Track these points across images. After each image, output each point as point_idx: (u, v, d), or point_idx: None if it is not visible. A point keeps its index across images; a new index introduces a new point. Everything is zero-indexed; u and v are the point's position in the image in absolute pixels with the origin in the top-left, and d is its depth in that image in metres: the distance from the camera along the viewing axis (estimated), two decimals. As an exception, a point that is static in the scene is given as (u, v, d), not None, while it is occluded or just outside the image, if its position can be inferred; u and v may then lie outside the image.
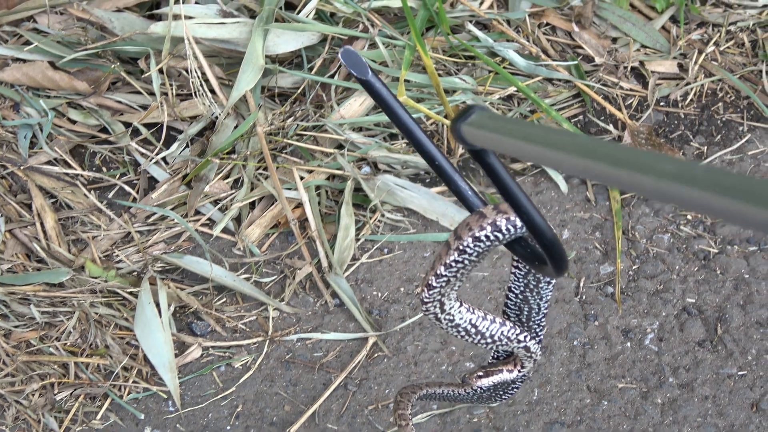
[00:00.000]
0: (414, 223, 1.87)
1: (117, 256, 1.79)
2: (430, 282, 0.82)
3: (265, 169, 1.86)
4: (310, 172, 1.87)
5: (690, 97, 2.08)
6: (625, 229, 1.90)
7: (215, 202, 1.86)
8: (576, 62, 2.06)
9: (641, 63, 2.11)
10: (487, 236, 0.77)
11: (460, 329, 0.89)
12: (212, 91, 1.90)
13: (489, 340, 0.92)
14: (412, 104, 1.89)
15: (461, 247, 0.79)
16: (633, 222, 1.91)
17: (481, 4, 2.12)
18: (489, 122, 0.54)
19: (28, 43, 1.94)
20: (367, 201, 1.87)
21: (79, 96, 1.91)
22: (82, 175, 1.87)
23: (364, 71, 0.66)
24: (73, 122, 1.91)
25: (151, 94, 1.91)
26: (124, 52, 1.93)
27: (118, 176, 1.89)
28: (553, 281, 0.92)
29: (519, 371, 1.03)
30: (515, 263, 0.89)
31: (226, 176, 1.88)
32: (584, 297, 1.81)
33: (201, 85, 1.87)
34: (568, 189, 1.94)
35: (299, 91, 1.96)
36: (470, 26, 2.05)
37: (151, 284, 1.74)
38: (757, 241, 1.90)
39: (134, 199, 1.87)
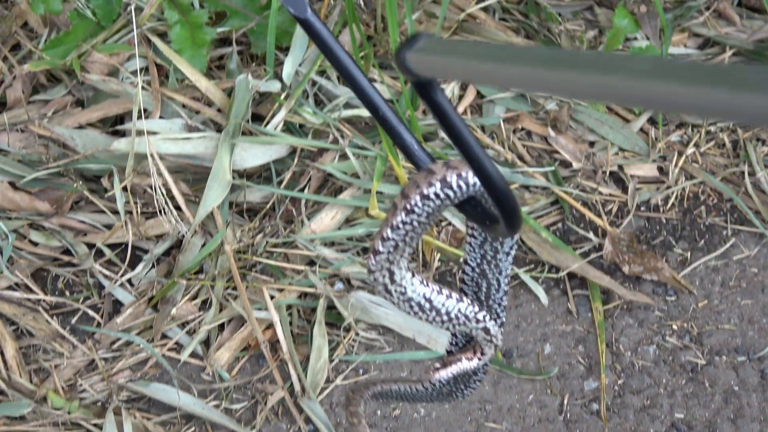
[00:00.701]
0: (390, 341, 1.85)
1: (81, 385, 1.76)
2: (376, 247, 0.77)
3: (234, 288, 1.85)
4: (281, 290, 1.85)
5: (671, 201, 2.08)
6: (609, 341, 1.88)
7: (183, 325, 1.83)
8: (553, 168, 2.07)
9: (620, 167, 2.11)
10: (436, 194, 0.72)
11: (413, 304, 0.83)
12: (178, 208, 1.89)
13: (445, 318, 0.85)
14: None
15: (408, 207, 0.73)
16: (617, 334, 1.89)
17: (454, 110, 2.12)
18: (437, 46, 0.50)
19: (-13, 163, 1.93)
20: (340, 319, 1.85)
21: (41, 216, 1.89)
22: (44, 300, 1.85)
23: (303, 9, 0.63)
24: (35, 244, 1.89)
25: (115, 212, 1.90)
26: (87, 170, 1.93)
27: (81, 300, 1.87)
28: (512, 252, 0.86)
29: (479, 359, 0.95)
30: (470, 231, 0.83)
31: (194, 297, 1.86)
32: (569, 415, 1.79)
33: (166, 202, 1.86)
34: (549, 301, 1.92)
35: (268, 205, 1.95)
36: (443, 134, 2.06)
37: (116, 414, 1.71)
38: (746, 350, 1.88)
39: (98, 324, 1.84)
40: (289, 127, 2.00)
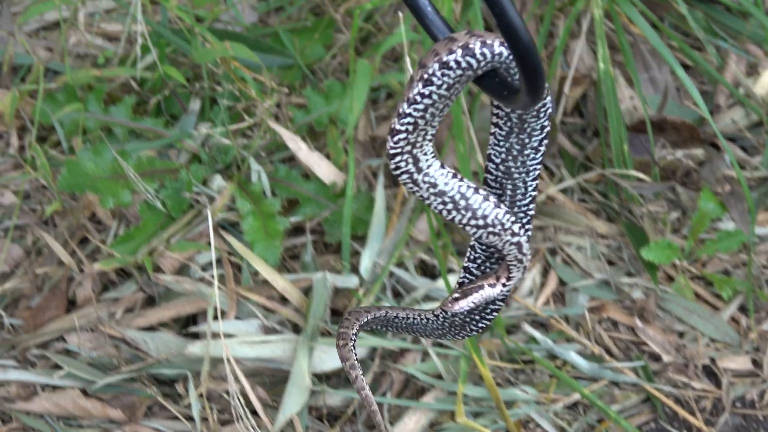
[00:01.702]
0: None
1: None
2: (393, 126, 0.71)
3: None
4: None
5: (767, 396, 2.04)
6: None
7: None
8: (643, 363, 2.03)
9: (712, 360, 2.08)
10: (457, 62, 0.66)
11: (446, 199, 0.76)
12: (255, 414, 1.86)
13: (480, 223, 0.77)
14: (472, 425, 1.85)
15: (426, 77, 0.68)
16: None
17: (536, 300, 2.11)
18: None
19: (57, 366, 1.92)
20: None
21: (114, 424, 1.87)
22: None
23: None
24: (105, 454, 1.87)
25: (191, 419, 1.88)
26: (161, 374, 1.91)
27: None
28: (542, 149, 0.80)
29: (504, 284, 0.87)
30: (495, 120, 0.77)
31: None
32: None
33: (243, 409, 1.83)
34: None
35: (349, 410, 1.92)
36: (527, 327, 2.04)
37: None
38: None
39: None
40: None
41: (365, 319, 1.04)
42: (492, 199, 0.79)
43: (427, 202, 0.77)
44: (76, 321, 1.94)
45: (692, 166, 2.30)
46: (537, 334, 2.03)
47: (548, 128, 0.81)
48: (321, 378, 1.94)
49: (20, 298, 1.99)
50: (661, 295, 2.13)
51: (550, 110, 0.77)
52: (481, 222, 0.77)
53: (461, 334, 0.98)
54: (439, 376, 1.95)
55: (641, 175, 2.20)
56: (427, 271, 2.10)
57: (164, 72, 2.09)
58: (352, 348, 1.05)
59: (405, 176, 0.74)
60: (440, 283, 2.03)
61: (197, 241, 2.03)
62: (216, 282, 1.83)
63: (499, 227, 0.79)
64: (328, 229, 2.09)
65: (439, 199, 0.76)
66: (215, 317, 1.87)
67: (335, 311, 2.00)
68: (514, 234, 0.80)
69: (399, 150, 0.72)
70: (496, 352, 2.01)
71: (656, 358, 2.08)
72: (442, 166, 0.75)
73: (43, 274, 2.00)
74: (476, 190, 0.77)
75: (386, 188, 2.15)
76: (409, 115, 0.70)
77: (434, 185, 0.75)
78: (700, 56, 2.40)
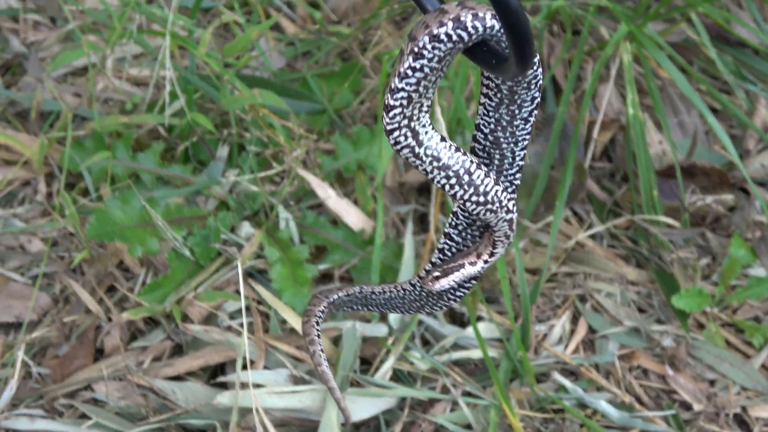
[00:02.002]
0: None
1: None
2: (387, 102, 0.71)
3: None
4: None
5: (802, 446, 2.02)
6: None
7: None
8: (673, 411, 2.02)
9: (743, 408, 2.06)
10: (448, 35, 0.65)
11: (449, 173, 0.75)
12: (283, 465, 1.86)
13: (480, 199, 0.77)
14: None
15: (416, 50, 0.68)
16: None
17: (566, 347, 2.10)
18: None
19: (85, 416, 1.92)
20: None
21: (141, 476, 1.87)
22: None
23: None
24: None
25: (218, 471, 1.88)
26: (190, 425, 1.91)
27: None
28: (531, 120, 0.79)
29: (486, 261, 0.86)
30: (485, 91, 0.76)
31: None
32: None
33: (272, 461, 1.83)
34: None
35: (378, 462, 1.92)
36: (557, 375, 2.03)
37: None
38: None
39: None
40: (397, 375, 1.98)
41: (335, 297, 1.04)
42: (492, 175, 0.78)
43: (431, 176, 0.77)
44: (104, 370, 1.94)
45: (722, 212, 2.30)
46: (567, 382, 2.02)
47: (538, 99, 0.80)
48: (351, 429, 1.93)
49: (48, 346, 2.00)
50: (691, 342, 2.12)
51: (540, 81, 0.76)
52: (481, 199, 0.77)
53: (438, 304, 0.97)
54: (469, 426, 1.94)
55: (671, 221, 2.20)
56: (456, 318, 2.10)
57: (192, 119, 2.10)
58: (315, 324, 1.05)
59: (406, 150, 0.74)
60: (469, 330, 2.03)
61: (225, 289, 2.04)
62: (245, 331, 1.83)
63: (497, 205, 0.79)
64: (356, 277, 2.09)
65: (443, 173, 0.75)
66: (244, 367, 1.87)
67: (365, 360, 2.00)
68: (508, 211, 0.80)
69: (396, 125, 0.72)
70: (526, 401, 2.00)
71: (687, 406, 2.07)
72: (443, 139, 0.75)
73: (70, 323, 2.01)
74: (478, 166, 0.77)
75: (415, 234, 2.15)
76: (402, 89, 0.70)
77: (437, 158, 0.74)
78: (729, 100, 2.39)
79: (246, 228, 2.08)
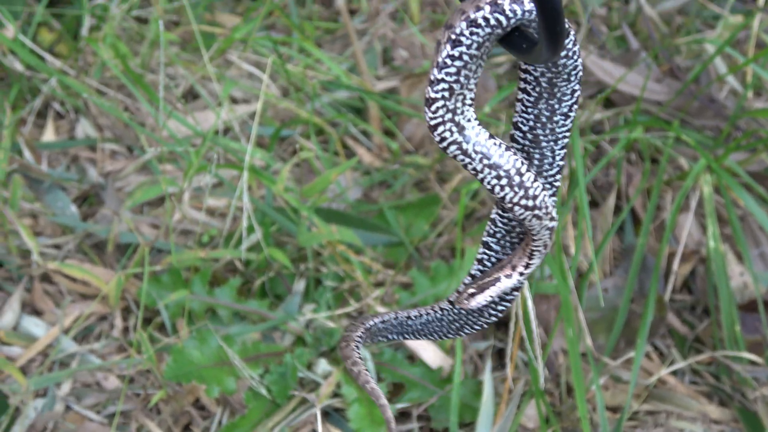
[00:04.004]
0: None
1: None
2: (428, 95, 0.68)
3: None
4: None
5: None
6: None
7: None
8: None
9: None
10: (485, 18, 0.63)
11: (500, 173, 0.71)
12: None
13: (529, 203, 0.73)
14: None
15: (454, 37, 0.65)
16: None
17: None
18: None
19: None
20: None
21: None
22: None
23: None
24: None
25: None
26: None
27: None
28: (572, 115, 0.75)
29: (521, 273, 0.82)
30: (523, 85, 0.73)
31: None
32: None
33: None
34: None
35: None
36: None
37: None
38: None
39: None
40: None
41: (371, 323, 0.99)
42: (541, 180, 0.75)
43: (480, 176, 0.74)
44: None
45: (808, 348, 2.25)
46: None
47: (578, 93, 0.78)
48: None
49: (124, 487, 1.99)
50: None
51: (581, 73, 0.74)
52: (531, 203, 0.74)
53: (479, 323, 0.93)
54: None
55: (754, 357, 2.16)
56: (537, 461, 2.07)
57: (270, 254, 2.10)
58: (355, 348, 1.00)
59: (453, 147, 0.71)
60: (552, 475, 1.99)
61: (302, 429, 2.02)
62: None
63: (544, 210, 0.76)
64: (434, 416, 2.07)
65: (494, 173, 0.73)
66: None
67: None
68: (552, 219, 0.77)
69: (440, 119, 0.69)
70: None
71: None
72: (491, 136, 0.72)
73: (147, 463, 2.00)
74: (528, 168, 0.74)
75: (494, 371, 2.12)
76: (442, 80, 0.67)
77: (487, 156, 0.72)
78: (812, 231, 2.36)
79: (323, 365, 2.07)
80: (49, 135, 2.45)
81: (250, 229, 2.18)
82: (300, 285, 2.19)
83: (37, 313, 2.18)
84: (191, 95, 2.57)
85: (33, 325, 2.14)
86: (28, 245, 2.15)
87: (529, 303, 1.91)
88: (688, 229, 2.35)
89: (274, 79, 2.45)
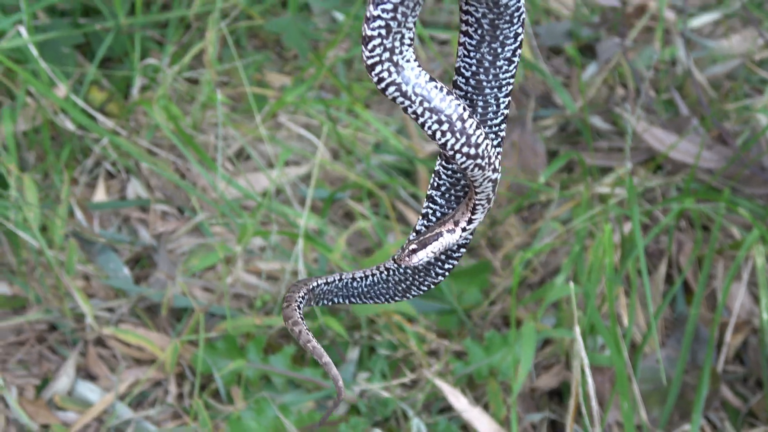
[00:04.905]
0: None
1: None
2: (364, 33, 0.64)
3: None
4: None
5: None
6: None
7: None
8: None
9: None
10: None
11: (441, 118, 0.69)
12: None
13: (472, 152, 0.70)
14: None
15: None
16: None
17: None
18: None
19: None
20: None
21: None
22: None
23: None
24: None
25: None
26: None
27: None
28: (515, 60, 0.72)
29: (464, 228, 0.79)
30: (465, 27, 0.70)
31: None
32: None
33: None
34: None
35: None
36: None
37: None
38: None
39: None
40: None
41: (314, 284, 0.97)
42: (483, 128, 0.73)
43: (421, 120, 0.71)
44: None
45: None
46: None
47: (522, 36, 0.75)
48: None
49: None
50: None
51: (524, 15, 0.72)
52: (472, 151, 0.71)
53: (426, 282, 0.90)
54: None
55: (809, 431, 2.16)
56: None
57: (324, 323, 2.12)
58: (297, 308, 0.97)
59: (392, 89, 0.68)
60: None
61: (358, 501, 2.03)
62: None
63: (487, 160, 0.74)
64: (488, 488, 2.07)
65: (435, 117, 0.70)
66: None
67: None
68: (495, 170, 0.75)
69: (377, 58, 0.67)
70: None
71: None
72: (432, 79, 0.70)
73: None
74: (471, 114, 0.71)
75: None
76: (378, 17, 0.65)
77: (428, 100, 0.69)
78: None
79: (378, 435, 2.08)
80: (100, 195, 2.47)
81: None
82: (354, 353, 2.20)
83: (91, 377, 2.19)
84: (242, 156, 2.59)
85: (88, 390, 2.16)
86: (83, 309, 2.17)
87: (588, 377, 1.92)
88: (741, 299, 2.36)
89: (324, 141, 2.47)
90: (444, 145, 0.72)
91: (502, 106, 0.75)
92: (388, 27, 0.65)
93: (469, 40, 0.73)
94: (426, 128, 0.72)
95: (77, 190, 2.46)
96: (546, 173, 2.16)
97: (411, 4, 0.65)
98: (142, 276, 2.36)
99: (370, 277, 0.93)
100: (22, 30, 2.42)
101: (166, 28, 2.73)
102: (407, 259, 0.81)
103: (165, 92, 2.44)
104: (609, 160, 2.50)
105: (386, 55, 0.67)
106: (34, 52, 2.41)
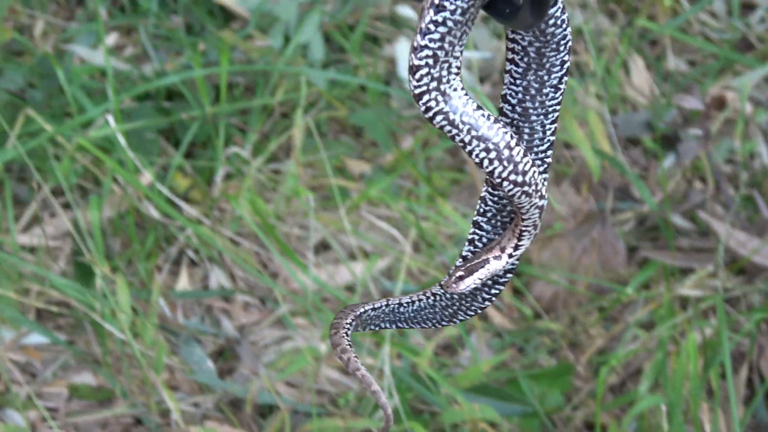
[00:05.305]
0: None
1: None
2: (411, 63, 0.65)
3: None
4: None
5: None
6: None
7: None
8: None
9: None
10: None
11: (489, 146, 0.69)
12: None
13: (519, 179, 0.71)
14: None
15: (437, 2, 0.63)
16: None
17: None
18: None
19: None
20: None
21: None
22: None
23: None
24: None
25: None
26: None
27: None
28: (562, 87, 0.73)
29: (510, 255, 0.80)
30: (511, 56, 0.71)
31: None
32: None
33: None
34: None
35: None
36: None
37: None
38: None
39: None
40: None
41: (361, 310, 0.97)
42: (530, 155, 0.74)
43: (468, 148, 0.71)
44: None
45: None
46: None
47: (568, 64, 0.76)
48: None
49: None
50: None
51: (570, 43, 0.73)
52: (520, 179, 0.72)
53: (473, 308, 0.90)
54: None
55: None
56: None
57: (410, 428, 2.13)
58: (345, 335, 0.96)
59: (440, 117, 0.68)
60: None
61: None
62: None
63: (534, 187, 0.75)
64: None
65: (482, 146, 0.70)
66: None
67: None
68: (542, 197, 0.75)
69: (424, 87, 0.67)
70: None
71: None
72: (479, 107, 0.70)
73: None
74: (518, 142, 0.72)
75: None
76: (426, 47, 0.66)
77: (475, 128, 0.70)
78: None
79: None
80: (183, 283, 2.50)
81: (389, 394, 2.21)
82: (436, 457, 2.21)
83: (178, 474, 2.22)
84: (322, 246, 2.61)
85: (176, 487, 2.18)
86: (169, 405, 2.19)
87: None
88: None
89: (404, 234, 2.49)
90: (491, 173, 0.73)
91: (549, 132, 0.76)
92: (435, 56, 0.67)
93: (515, 68, 0.74)
94: (473, 156, 0.73)
95: (160, 277, 2.50)
96: (633, 284, 2.17)
97: (458, 34, 0.66)
98: (225, 369, 2.38)
99: (417, 302, 0.93)
100: (110, 119, 2.46)
101: (248, 114, 2.77)
102: (454, 285, 0.83)
103: (250, 184, 2.47)
104: (689, 261, 2.51)
105: (434, 84, 0.68)
106: (122, 141, 2.45)
